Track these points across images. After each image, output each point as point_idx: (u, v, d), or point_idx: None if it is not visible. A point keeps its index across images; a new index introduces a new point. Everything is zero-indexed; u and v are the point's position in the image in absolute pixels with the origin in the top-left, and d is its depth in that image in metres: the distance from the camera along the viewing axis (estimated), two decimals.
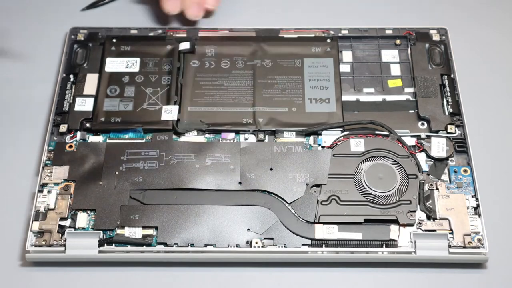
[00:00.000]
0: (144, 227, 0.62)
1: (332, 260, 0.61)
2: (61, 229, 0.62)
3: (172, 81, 0.69)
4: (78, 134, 0.67)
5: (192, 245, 0.61)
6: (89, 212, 0.62)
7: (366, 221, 0.61)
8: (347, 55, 0.72)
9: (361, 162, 0.64)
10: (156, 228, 0.62)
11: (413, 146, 0.66)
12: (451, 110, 0.68)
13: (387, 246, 0.61)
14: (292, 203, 0.63)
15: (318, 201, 0.62)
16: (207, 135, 0.67)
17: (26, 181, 0.66)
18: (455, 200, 0.63)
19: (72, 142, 0.66)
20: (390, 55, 0.72)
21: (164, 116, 0.67)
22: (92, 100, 0.69)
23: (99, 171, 0.64)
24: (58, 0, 0.79)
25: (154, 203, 0.63)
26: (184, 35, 0.73)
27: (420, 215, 0.62)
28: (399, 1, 0.79)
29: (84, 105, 0.68)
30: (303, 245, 0.61)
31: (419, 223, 0.62)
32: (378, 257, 0.61)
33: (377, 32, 0.73)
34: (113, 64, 0.71)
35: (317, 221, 0.62)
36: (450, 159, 0.65)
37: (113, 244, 0.61)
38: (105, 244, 0.61)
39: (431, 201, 0.63)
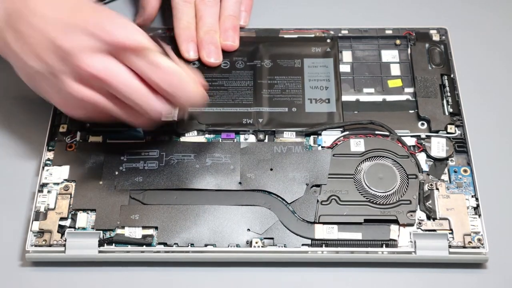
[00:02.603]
0: (144, 227, 0.62)
1: (332, 260, 0.61)
2: (61, 229, 0.62)
3: None
4: (78, 134, 0.67)
5: (192, 245, 0.61)
6: (89, 212, 0.62)
7: (366, 221, 0.61)
8: (347, 55, 0.72)
9: (361, 162, 0.64)
10: (156, 228, 0.62)
11: (413, 146, 0.66)
12: (451, 110, 0.68)
13: (387, 246, 0.61)
14: (292, 203, 0.63)
15: (318, 201, 0.62)
16: (207, 135, 0.67)
17: (26, 181, 0.66)
18: (455, 200, 0.63)
19: (72, 142, 0.66)
20: (390, 55, 0.72)
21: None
22: None
23: (99, 171, 0.64)
24: None
25: (154, 203, 0.63)
26: None
27: (420, 215, 0.62)
28: (399, 1, 0.79)
29: None
30: (303, 245, 0.61)
31: (419, 223, 0.62)
32: (378, 257, 0.61)
33: (377, 32, 0.73)
34: None
35: (317, 221, 0.62)
36: (450, 159, 0.65)
37: (113, 244, 0.61)
38: (105, 244, 0.61)
39: (431, 201, 0.63)
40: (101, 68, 0.57)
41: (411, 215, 0.62)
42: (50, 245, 0.61)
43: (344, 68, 0.71)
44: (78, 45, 0.58)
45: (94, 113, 0.62)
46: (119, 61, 0.58)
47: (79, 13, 0.59)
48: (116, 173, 0.64)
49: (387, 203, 0.62)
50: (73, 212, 0.62)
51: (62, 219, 0.62)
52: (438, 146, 0.66)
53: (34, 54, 0.59)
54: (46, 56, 0.59)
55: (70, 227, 0.62)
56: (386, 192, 0.63)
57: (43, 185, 0.64)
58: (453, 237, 0.61)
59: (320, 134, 0.67)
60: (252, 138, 0.67)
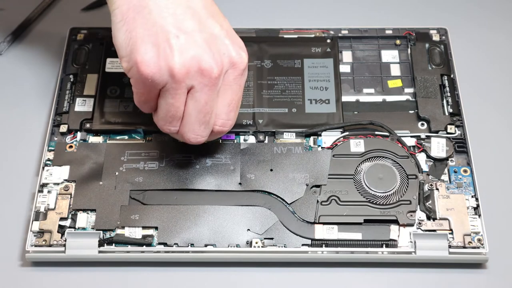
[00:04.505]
0: (144, 227, 0.62)
1: (332, 260, 0.61)
2: (61, 229, 0.62)
3: None
4: (78, 134, 0.67)
5: (192, 245, 0.61)
6: (89, 212, 0.63)
7: (366, 221, 0.62)
8: (347, 56, 0.72)
9: (361, 162, 0.64)
10: (156, 228, 0.62)
11: (413, 146, 0.66)
12: (451, 110, 0.68)
13: (387, 246, 0.61)
14: (292, 203, 0.63)
15: (318, 201, 0.62)
16: None
17: (26, 181, 0.66)
18: (455, 200, 0.63)
19: (72, 142, 0.66)
20: (390, 55, 0.72)
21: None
22: (92, 100, 0.69)
23: (99, 171, 0.64)
24: (58, 0, 0.79)
25: (154, 203, 0.63)
26: None
27: (420, 215, 0.62)
28: (399, 1, 0.79)
29: (84, 105, 0.68)
30: (303, 245, 0.61)
31: (419, 223, 0.62)
32: (378, 257, 0.61)
33: (377, 32, 0.73)
34: (113, 65, 0.71)
35: (317, 221, 0.62)
36: (450, 159, 0.65)
37: (113, 244, 0.61)
38: (105, 244, 0.61)
39: (431, 201, 0.63)
40: (217, 74, 0.57)
41: (411, 215, 0.62)
42: (50, 245, 0.61)
43: (344, 68, 0.71)
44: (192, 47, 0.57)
45: (148, 92, 0.59)
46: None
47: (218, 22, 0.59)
48: (116, 173, 0.64)
49: (387, 203, 0.62)
50: (73, 212, 0.62)
51: (62, 219, 0.62)
52: (438, 146, 0.66)
53: (172, 3, 0.57)
54: (180, 19, 0.57)
55: (70, 227, 0.62)
56: (386, 192, 0.63)
57: (43, 185, 0.64)
58: (453, 237, 0.61)
59: (320, 135, 0.67)
60: (252, 139, 0.67)
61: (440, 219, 0.62)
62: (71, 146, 0.66)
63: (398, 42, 0.73)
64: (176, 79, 0.56)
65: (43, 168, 0.65)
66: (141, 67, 0.56)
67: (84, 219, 0.62)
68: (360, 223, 0.61)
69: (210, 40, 0.57)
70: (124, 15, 0.57)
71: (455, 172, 0.64)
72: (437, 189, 0.63)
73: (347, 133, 0.66)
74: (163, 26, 0.56)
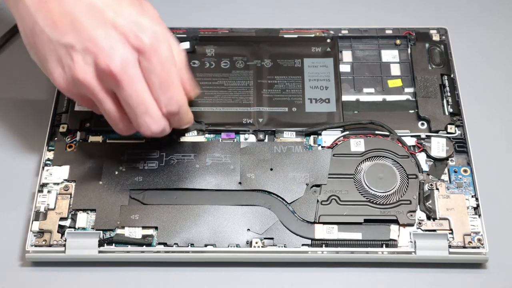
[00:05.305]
0: (144, 227, 0.62)
1: (332, 260, 0.61)
2: (61, 229, 0.62)
3: None
4: (78, 134, 0.67)
5: (192, 245, 0.61)
6: (89, 212, 0.62)
7: (366, 221, 0.61)
8: (347, 55, 0.72)
9: (361, 162, 0.64)
10: (156, 228, 0.62)
11: (413, 146, 0.66)
12: (451, 110, 0.68)
13: (387, 246, 0.61)
14: (292, 203, 0.63)
15: (318, 201, 0.62)
16: (207, 135, 0.67)
17: (26, 181, 0.66)
18: (455, 200, 0.63)
19: (72, 142, 0.66)
20: (390, 55, 0.72)
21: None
22: None
23: (99, 171, 0.64)
24: None
25: (154, 203, 0.63)
26: (184, 35, 0.73)
27: (420, 215, 0.62)
28: (399, 1, 0.79)
29: None
30: (303, 245, 0.61)
31: (419, 223, 0.62)
32: (378, 257, 0.61)
33: (377, 32, 0.73)
34: None
35: (317, 221, 0.62)
36: (450, 159, 0.65)
37: (113, 244, 0.61)
38: (105, 244, 0.61)
39: (431, 201, 0.63)
40: (119, 68, 0.55)
41: (411, 215, 0.62)
42: (50, 245, 0.61)
43: (344, 68, 0.71)
44: (105, 35, 0.55)
45: (83, 100, 0.60)
46: (139, 62, 0.56)
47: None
48: (116, 173, 0.64)
49: (387, 203, 0.62)
50: (73, 212, 0.62)
51: (62, 219, 0.62)
52: (438, 146, 0.66)
53: (52, 21, 0.56)
54: (67, 30, 0.56)
55: (70, 227, 0.62)
56: (386, 192, 0.63)
57: (43, 185, 0.64)
58: (453, 237, 0.61)
59: (320, 134, 0.67)
60: (252, 138, 0.67)
61: (440, 219, 0.62)
62: (71, 146, 0.66)
63: (398, 42, 0.73)
64: (86, 87, 0.56)
65: (43, 168, 0.65)
66: (56, 84, 0.58)
67: (84, 219, 0.62)
68: (360, 223, 0.61)
69: (108, 37, 0.55)
70: (28, 40, 0.58)
71: (455, 172, 0.64)
72: (437, 189, 0.63)
73: (347, 132, 0.66)
74: (59, 40, 0.56)
